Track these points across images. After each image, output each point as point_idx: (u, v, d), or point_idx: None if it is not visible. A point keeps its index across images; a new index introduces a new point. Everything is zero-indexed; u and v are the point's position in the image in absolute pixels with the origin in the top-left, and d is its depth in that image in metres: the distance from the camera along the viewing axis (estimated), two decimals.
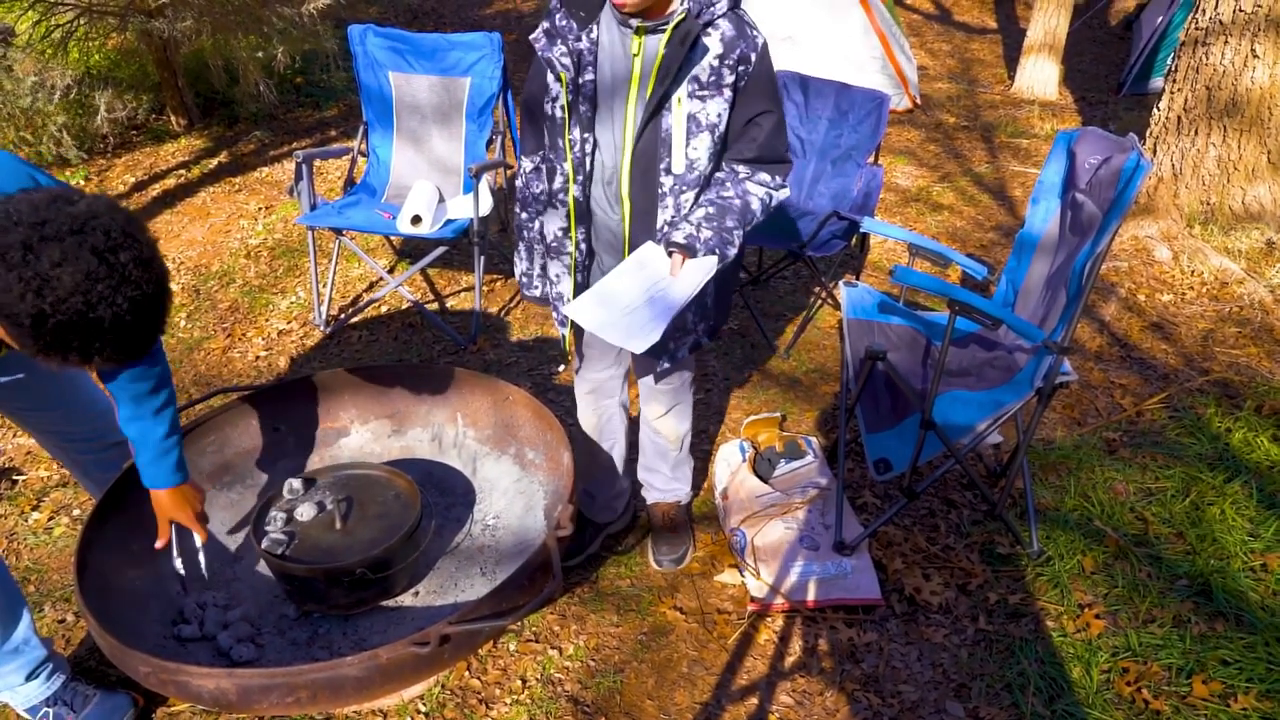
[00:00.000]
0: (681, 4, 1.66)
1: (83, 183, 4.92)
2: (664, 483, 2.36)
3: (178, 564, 2.03)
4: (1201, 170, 4.15)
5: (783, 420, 2.82)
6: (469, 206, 3.33)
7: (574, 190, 1.81)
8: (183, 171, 5.08)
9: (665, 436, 2.26)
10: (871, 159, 3.52)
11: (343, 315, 3.63)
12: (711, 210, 1.74)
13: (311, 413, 2.52)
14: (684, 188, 1.76)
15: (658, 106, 1.69)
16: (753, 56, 1.69)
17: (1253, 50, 3.86)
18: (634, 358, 2.08)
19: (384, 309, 3.71)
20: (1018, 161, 5.30)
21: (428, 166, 3.69)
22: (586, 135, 1.77)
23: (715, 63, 1.67)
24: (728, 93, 1.70)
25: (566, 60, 1.70)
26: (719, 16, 1.67)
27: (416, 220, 3.29)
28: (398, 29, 3.61)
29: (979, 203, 4.75)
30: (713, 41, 1.67)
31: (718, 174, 1.80)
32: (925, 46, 7.86)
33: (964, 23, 8.71)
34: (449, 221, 3.38)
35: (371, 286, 3.90)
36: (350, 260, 4.07)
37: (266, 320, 3.64)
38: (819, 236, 3.20)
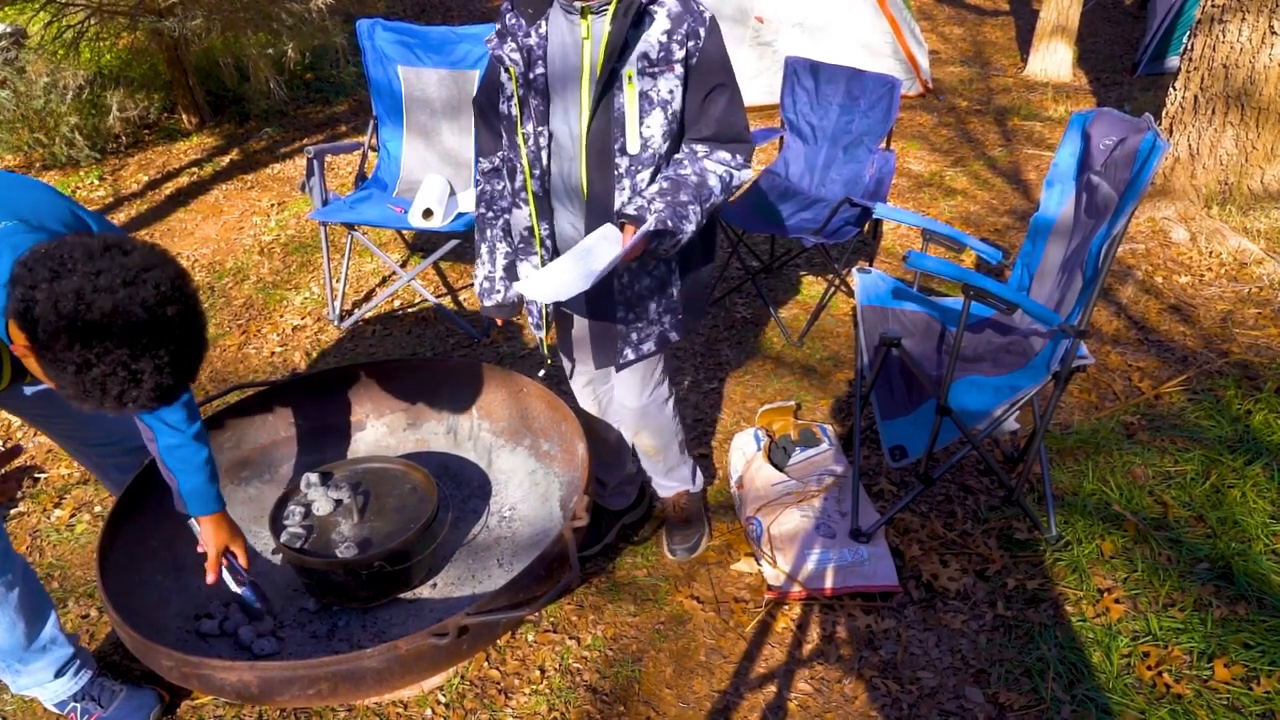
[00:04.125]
0: None
1: (96, 182, 4.95)
2: (662, 480, 2.35)
3: (244, 591, 1.99)
4: (1219, 150, 4.10)
5: (797, 408, 2.81)
6: None
7: (532, 185, 1.80)
8: (195, 169, 5.11)
9: (645, 452, 2.25)
10: (883, 144, 3.50)
11: (356, 310, 3.64)
12: (665, 185, 1.72)
13: (327, 408, 2.54)
14: (639, 167, 1.74)
15: (608, 84, 1.69)
16: (701, 32, 1.69)
17: (1271, 27, 3.80)
18: (594, 347, 1.98)
19: (397, 303, 3.72)
20: (1032, 145, 5.25)
21: (438, 160, 3.69)
22: (540, 129, 1.76)
23: (663, 38, 1.67)
24: (679, 69, 1.69)
25: (516, 56, 1.72)
26: None
27: (428, 214, 3.29)
28: (406, 23, 3.61)
29: (993, 187, 4.72)
30: (660, 17, 1.67)
31: (676, 154, 1.78)
32: (937, 30, 7.79)
33: (976, 5, 8.63)
34: (460, 215, 3.38)
35: (384, 281, 3.91)
36: (363, 255, 4.09)
37: (281, 316, 3.66)
38: (831, 223, 3.19)
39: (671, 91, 1.71)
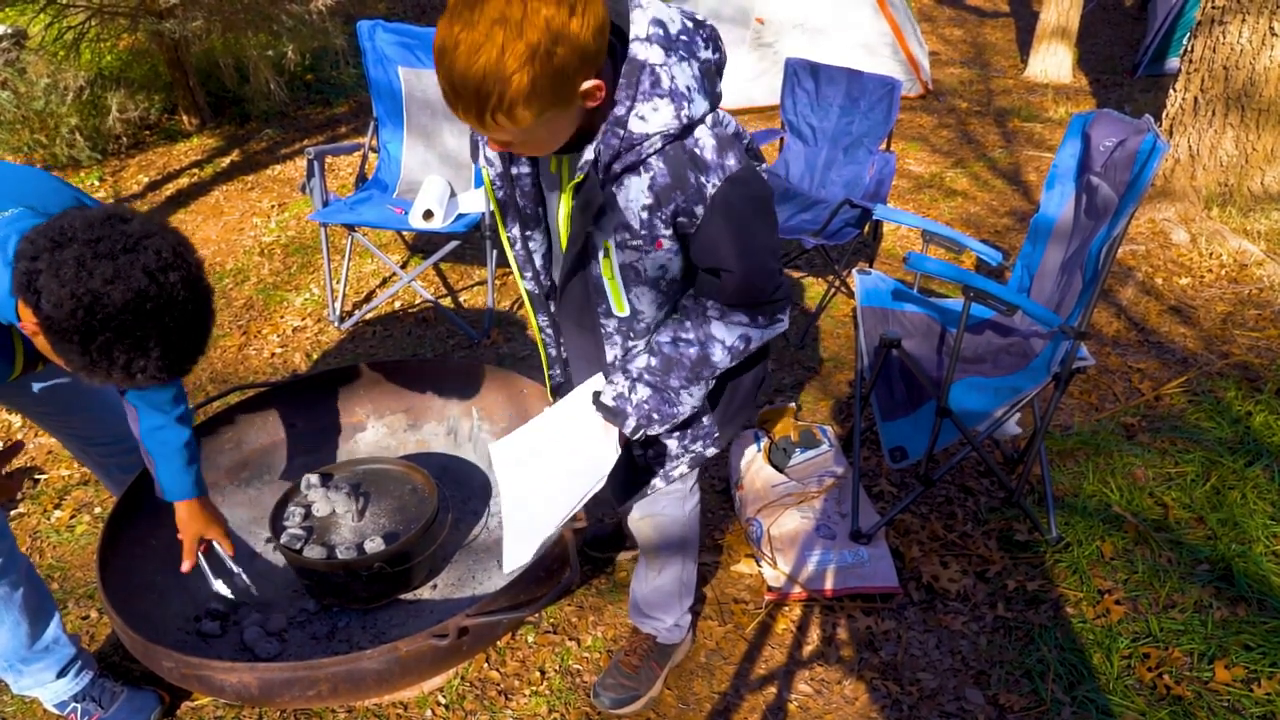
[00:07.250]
0: (591, 150, 1.24)
1: (97, 183, 4.95)
2: (639, 598, 1.96)
3: (218, 585, 1.98)
4: (1219, 152, 4.10)
5: (797, 410, 2.81)
6: (480, 200, 3.33)
7: (525, 285, 1.55)
8: (195, 170, 5.11)
9: (638, 539, 1.86)
10: (883, 145, 3.50)
11: (357, 311, 3.64)
12: (655, 362, 1.42)
13: (328, 408, 2.54)
14: (632, 333, 1.47)
15: (582, 255, 1.38)
16: (699, 210, 1.26)
17: (1271, 29, 3.80)
18: (610, 481, 1.65)
19: (397, 304, 3.72)
20: (1032, 146, 5.25)
21: (439, 161, 3.69)
22: (529, 232, 1.47)
23: (644, 215, 1.29)
24: (668, 243, 1.34)
25: (492, 154, 1.39)
26: (649, 155, 1.24)
27: (429, 215, 3.29)
28: (406, 24, 3.61)
29: (993, 188, 4.72)
30: (640, 184, 1.26)
31: (684, 302, 1.46)
32: (937, 32, 7.80)
33: (976, 7, 8.63)
34: (461, 216, 3.38)
35: (385, 282, 3.91)
36: (363, 256, 4.09)
37: (281, 317, 3.66)
38: (831, 224, 3.19)
39: (663, 266, 1.38)
